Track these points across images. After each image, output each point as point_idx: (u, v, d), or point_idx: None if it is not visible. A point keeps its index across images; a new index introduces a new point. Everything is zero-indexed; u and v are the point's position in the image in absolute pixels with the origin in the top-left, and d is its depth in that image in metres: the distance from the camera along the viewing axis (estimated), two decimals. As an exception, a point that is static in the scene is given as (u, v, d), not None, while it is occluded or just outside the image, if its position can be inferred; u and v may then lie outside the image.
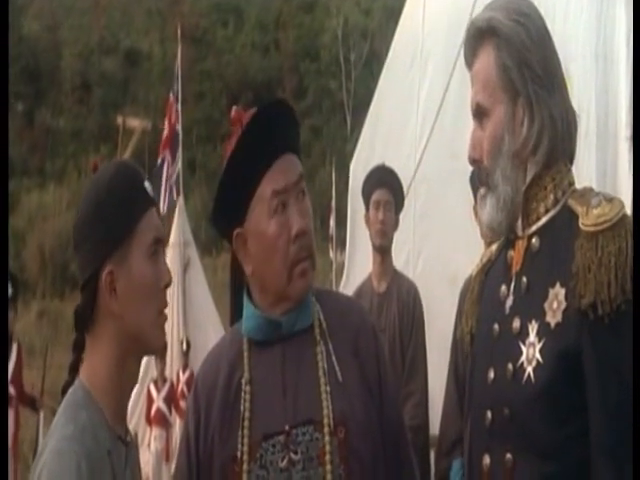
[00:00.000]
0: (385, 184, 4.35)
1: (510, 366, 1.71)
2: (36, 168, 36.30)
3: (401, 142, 6.01)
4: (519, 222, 1.79)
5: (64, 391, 1.66)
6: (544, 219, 1.76)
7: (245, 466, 1.88)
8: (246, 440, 1.90)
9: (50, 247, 28.31)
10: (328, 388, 1.91)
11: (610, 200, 1.68)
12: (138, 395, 9.85)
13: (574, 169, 1.82)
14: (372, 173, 4.46)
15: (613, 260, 1.60)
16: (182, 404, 9.63)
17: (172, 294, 10.13)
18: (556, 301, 1.67)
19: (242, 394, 1.94)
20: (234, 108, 2.03)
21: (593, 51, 4.95)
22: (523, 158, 1.76)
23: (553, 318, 1.66)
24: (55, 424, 1.59)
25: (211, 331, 10.23)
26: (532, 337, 1.69)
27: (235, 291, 2.10)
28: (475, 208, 3.87)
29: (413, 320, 4.26)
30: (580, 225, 1.66)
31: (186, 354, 10.26)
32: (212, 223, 2.04)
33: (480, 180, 1.82)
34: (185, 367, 10.25)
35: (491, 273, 1.92)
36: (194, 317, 10.87)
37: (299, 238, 1.93)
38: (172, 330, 10.41)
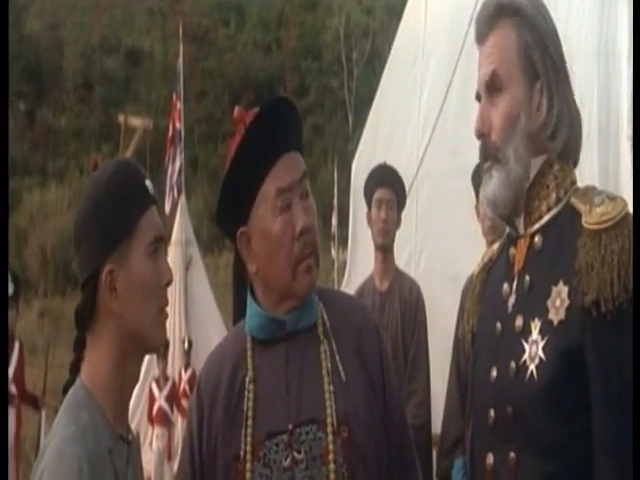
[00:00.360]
0: (387, 183, 4.34)
1: (513, 364, 1.71)
2: (37, 167, 36.32)
3: (403, 141, 6.00)
4: (521, 220, 1.79)
5: (65, 390, 1.66)
6: (546, 217, 1.76)
7: (248, 465, 1.88)
8: (249, 439, 1.90)
9: (51, 246, 28.34)
10: (331, 387, 1.91)
11: (613, 199, 1.68)
12: (140, 394, 9.85)
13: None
14: (374, 172, 4.46)
15: (616, 258, 1.61)
16: (184, 403, 9.62)
17: (174, 293, 10.14)
18: (559, 299, 1.67)
19: (245, 393, 1.94)
20: (236, 108, 2.03)
21: (595, 49, 4.94)
22: (539, 142, 1.75)
23: (556, 316, 1.66)
24: (56, 424, 1.59)
25: (213, 330, 10.24)
26: (535, 335, 1.69)
27: (238, 290, 2.10)
28: (477, 207, 3.87)
29: (415, 319, 4.25)
30: (583, 223, 1.66)
31: (188, 353, 10.26)
32: (216, 223, 2.03)
33: (486, 154, 1.80)
34: (187, 366, 10.25)
35: (493, 272, 1.92)
36: (196, 316, 10.86)
37: (303, 235, 1.92)
38: (174, 329, 10.41)
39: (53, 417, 1.69)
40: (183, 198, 11.46)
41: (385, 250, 4.34)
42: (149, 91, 37.44)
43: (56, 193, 31.93)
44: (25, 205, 31.67)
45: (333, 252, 18.92)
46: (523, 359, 1.69)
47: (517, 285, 1.78)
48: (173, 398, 10.05)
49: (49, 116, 38.90)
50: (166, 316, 1.70)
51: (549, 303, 1.68)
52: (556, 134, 1.75)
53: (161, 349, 8.27)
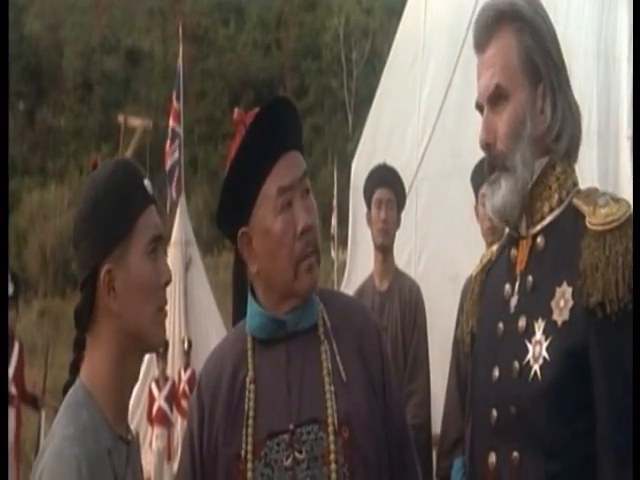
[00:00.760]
0: (387, 183, 4.34)
1: (516, 364, 1.71)
2: (37, 167, 36.31)
3: (403, 141, 6.00)
4: (523, 221, 1.79)
5: (65, 390, 1.65)
6: (549, 218, 1.76)
7: (249, 464, 1.88)
8: (250, 439, 1.89)
9: (51, 246, 28.32)
10: (332, 388, 1.91)
11: (617, 200, 1.68)
12: (139, 394, 9.85)
13: (576, 168, 1.82)
14: (374, 172, 4.46)
15: (621, 259, 1.61)
16: (184, 403, 9.63)
17: (173, 293, 10.14)
18: (563, 299, 1.67)
19: (246, 393, 1.94)
20: (236, 110, 2.03)
21: (595, 50, 4.95)
22: (544, 144, 1.75)
23: (560, 316, 1.66)
24: (56, 424, 1.59)
25: (212, 330, 10.25)
26: (539, 335, 1.69)
27: (238, 290, 2.10)
28: (476, 207, 3.87)
29: (415, 319, 4.25)
30: (587, 224, 1.66)
31: (187, 353, 10.27)
32: (216, 224, 2.03)
33: (493, 164, 1.78)
34: (187, 366, 10.26)
35: (493, 273, 1.92)
36: (195, 316, 10.87)
37: (305, 234, 1.92)
38: (173, 329, 10.42)
39: (53, 417, 1.69)
40: (183, 198, 11.46)
41: (385, 250, 4.34)
42: (149, 91, 37.42)
43: (56, 193, 31.90)
44: (25, 205, 31.65)
45: (333, 252, 18.89)
46: (526, 359, 1.69)
47: (520, 286, 1.77)
48: (173, 398, 10.06)
49: (49, 116, 38.89)
50: (165, 315, 1.70)
51: (553, 304, 1.68)
52: (561, 136, 1.75)
53: (161, 349, 8.27)
